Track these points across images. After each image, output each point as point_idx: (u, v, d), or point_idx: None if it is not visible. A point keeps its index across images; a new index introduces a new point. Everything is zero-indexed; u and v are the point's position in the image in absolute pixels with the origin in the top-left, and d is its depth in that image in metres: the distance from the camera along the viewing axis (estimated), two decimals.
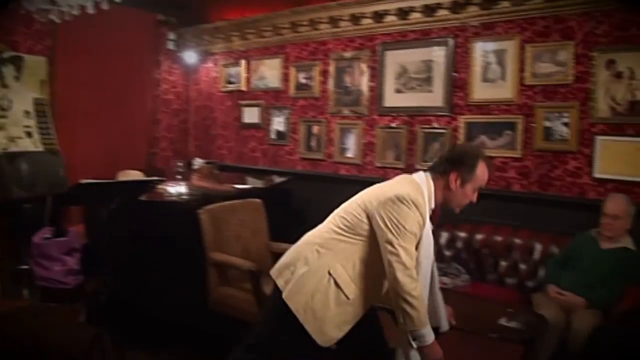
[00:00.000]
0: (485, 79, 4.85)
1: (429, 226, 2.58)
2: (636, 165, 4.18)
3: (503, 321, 3.23)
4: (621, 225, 3.80)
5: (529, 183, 4.66)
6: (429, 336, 2.47)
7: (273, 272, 2.71)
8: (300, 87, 6.21)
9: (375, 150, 5.57)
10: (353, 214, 2.61)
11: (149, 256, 4.26)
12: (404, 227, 2.45)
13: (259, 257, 4.20)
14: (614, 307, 3.56)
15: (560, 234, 4.27)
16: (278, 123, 6.45)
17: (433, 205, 2.63)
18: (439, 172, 2.67)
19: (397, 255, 2.43)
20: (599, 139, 4.34)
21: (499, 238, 4.45)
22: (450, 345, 2.59)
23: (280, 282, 2.63)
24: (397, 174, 5.29)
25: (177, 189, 5.15)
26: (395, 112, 5.42)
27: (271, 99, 6.51)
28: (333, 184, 5.87)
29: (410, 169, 5.25)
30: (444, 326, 2.79)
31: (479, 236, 4.55)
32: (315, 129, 6.04)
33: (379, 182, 5.29)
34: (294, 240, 4.51)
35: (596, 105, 4.32)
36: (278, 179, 5.94)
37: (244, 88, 6.82)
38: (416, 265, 2.50)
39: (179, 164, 6.41)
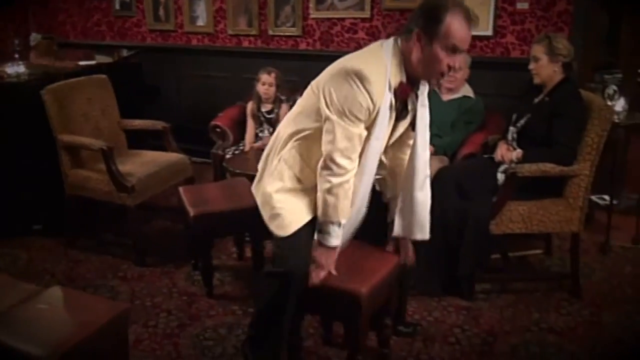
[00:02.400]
0: None
1: (386, 107, 2.19)
2: (479, 19, 4.34)
3: None
4: (462, 76, 4.04)
5: None
6: (333, 239, 2.27)
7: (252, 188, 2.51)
8: None
9: (227, 17, 5.39)
10: (306, 97, 2.34)
11: None
12: (344, 106, 2.13)
13: (110, 135, 4.09)
14: (459, 152, 3.88)
15: None
16: None
17: (403, 79, 2.22)
18: (405, 34, 2.20)
19: (333, 133, 2.15)
20: None
21: None
22: None
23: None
24: (251, 42, 5.30)
25: (15, 68, 4.76)
26: None
27: None
28: (185, 56, 5.69)
29: (264, 36, 5.20)
30: (416, 235, 2.53)
31: None
32: None
33: (232, 51, 5.24)
34: (146, 116, 4.45)
35: None
36: (127, 54, 5.65)
37: None
38: (364, 149, 2.24)
39: (16, 42, 5.88)
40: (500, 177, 3.23)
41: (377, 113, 2.18)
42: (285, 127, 2.41)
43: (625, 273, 3.56)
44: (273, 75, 4.32)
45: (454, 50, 2.14)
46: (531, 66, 3.31)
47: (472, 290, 3.24)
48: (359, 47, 4.75)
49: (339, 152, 2.16)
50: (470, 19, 2.14)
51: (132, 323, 2.93)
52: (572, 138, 3.11)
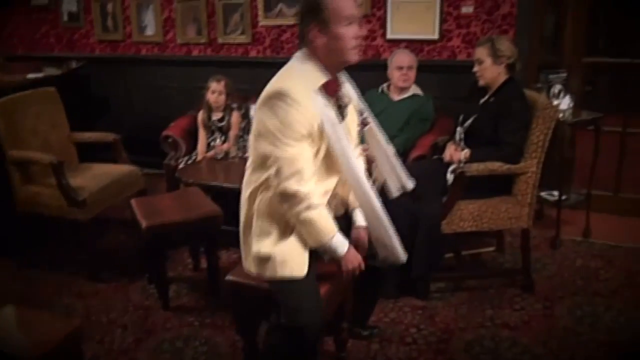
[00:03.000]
0: None
1: (324, 110, 2.17)
2: (424, 23, 4.45)
3: None
4: (413, 75, 4.08)
5: None
6: (339, 248, 2.24)
7: None
8: None
9: (176, 26, 5.35)
10: (251, 150, 2.29)
11: None
12: (279, 131, 2.09)
13: (60, 149, 4.02)
14: (409, 155, 3.91)
15: (363, 95, 4.48)
16: (69, 2, 5.90)
17: (327, 77, 2.22)
18: (302, 38, 2.24)
19: (275, 164, 2.12)
20: (391, 0, 4.52)
21: None
22: None
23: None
24: (200, 50, 5.27)
25: None
26: None
27: None
28: (135, 66, 5.63)
29: (213, 44, 5.19)
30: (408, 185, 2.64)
31: None
32: (110, 6, 5.61)
33: (182, 60, 5.20)
34: (96, 128, 4.39)
35: None
36: (75, 65, 5.57)
37: None
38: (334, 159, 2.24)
39: None
40: (450, 177, 3.29)
41: (321, 120, 2.16)
42: (245, 192, 2.35)
43: (576, 266, 3.66)
44: (222, 83, 4.30)
45: (349, 20, 2.17)
46: (475, 68, 3.38)
47: (427, 290, 3.29)
48: None
49: (287, 182, 2.12)
50: None
51: (88, 340, 2.91)
52: (517, 137, 3.18)
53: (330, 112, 2.20)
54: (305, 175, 2.14)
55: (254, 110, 2.46)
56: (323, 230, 2.20)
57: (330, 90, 2.23)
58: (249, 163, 2.34)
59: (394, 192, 2.63)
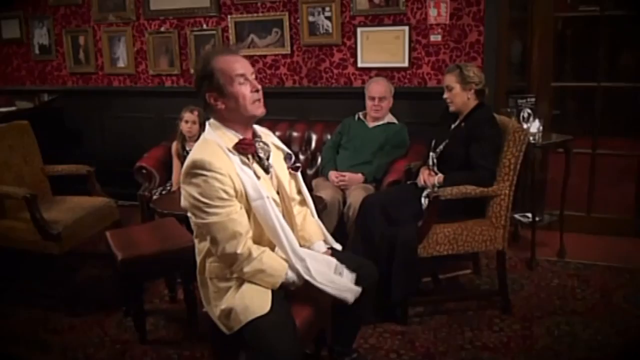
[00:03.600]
0: None
1: (242, 169, 2.23)
2: (394, 52, 4.53)
3: None
4: (387, 105, 4.18)
5: (300, 78, 4.85)
6: (298, 278, 2.28)
7: None
8: None
9: (148, 57, 5.37)
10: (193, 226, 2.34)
11: None
12: (203, 200, 2.16)
13: (34, 182, 3.98)
14: (384, 180, 3.97)
15: (333, 123, 4.55)
16: (40, 36, 5.89)
17: (238, 137, 2.28)
18: (205, 106, 2.33)
19: (209, 234, 2.20)
20: (360, 30, 4.60)
21: (277, 133, 4.57)
22: None
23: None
24: (173, 81, 5.29)
25: None
26: (163, 15, 5.21)
27: (30, 9, 5.84)
28: (107, 97, 5.61)
29: (186, 75, 5.21)
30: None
31: None
32: (82, 39, 5.62)
33: (155, 91, 5.21)
34: (70, 161, 4.36)
35: None
36: (48, 99, 5.54)
37: None
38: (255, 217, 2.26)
39: None
40: (424, 201, 3.32)
41: (240, 179, 2.20)
42: (197, 259, 2.41)
43: (553, 286, 3.70)
44: (196, 113, 4.30)
45: (242, 78, 2.25)
46: (445, 95, 3.45)
47: (406, 314, 3.29)
48: (281, 82, 4.85)
49: (224, 246, 2.18)
50: (229, 51, 2.34)
51: None
52: (489, 160, 3.24)
53: (249, 171, 2.25)
54: (240, 235, 2.19)
55: None
56: (274, 272, 2.25)
57: (245, 147, 2.29)
58: (194, 233, 2.38)
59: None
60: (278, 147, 2.52)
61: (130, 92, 5.47)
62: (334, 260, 2.43)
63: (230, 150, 2.24)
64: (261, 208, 2.23)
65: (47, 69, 5.89)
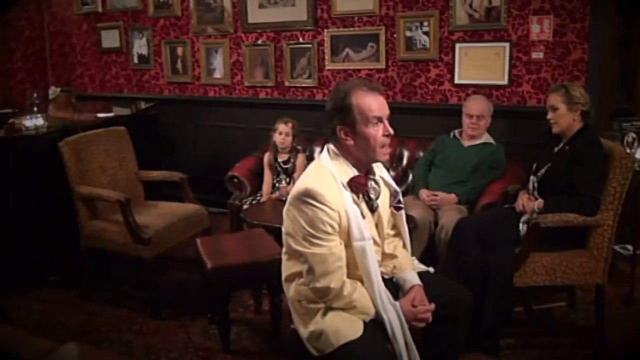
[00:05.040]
0: None
1: (351, 206, 2.20)
2: (493, 69, 4.41)
3: None
4: (484, 124, 4.05)
5: (394, 93, 4.79)
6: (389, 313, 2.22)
7: None
8: (159, 5, 5.85)
9: (243, 69, 5.45)
10: (284, 243, 2.34)
11: (12, 198, 3.99)
12: (309, 230, 2.15)
13: (128, 186, 4.10)
14: (478, 202, 3.83)
15: (427, 140, 4.45)
16: (139, 46, 6.11)
17: (353, 173, 2.26)
18: (331, 135, 2.29)
19: (307, 263, 2.18)
20: (459, 46, 4.51)
21: None
22: None
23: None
24: (267, 93, 5.35)
25: (34, 121, 4.81)
26: (260, 28, 5.29)
27: (130, 20, 6.13)
28: (202, 107, 5.75)
29: (280, 87, 5.25)
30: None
31: None
32: (180, 50, 5.80)
33: (249, 102, 5.30)
34: (163, 167, 4.47)
35: (455, 13, 4.45)
36: (145, 106, 5.71)
37: (99, 9, 6.32)
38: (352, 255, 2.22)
39: (35, 94, 5.96)
40: (523, 227, 3.18)
41: (347, 216, 2.18)
42: (283, 272, 2.40)
43: None
44: (290, 125, 4.33)
45: (377, 120, 2.21)
46: (549, 115, 3.29)
47: (497, 346, 3.14)
48: None
49: (318, 281, 2.16)
50: (371, 87, 2.25)
51: None
52: (594, 187, 3.06)
53: (357, 209, 2.22)
54: (336, 272, 2.17)
55: (317, 152, 2.46)
56: (364, 310, 2.21)
57: (359, 185, 2.26)
58: (284, 249, 2.36)
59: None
60: (386, 183, 2.46)
61: (225, 102, 5.57)
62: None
63: (343, 185, 2.22)
64: (361, 249, 2.20)
65: (145, 77, 6.10)
